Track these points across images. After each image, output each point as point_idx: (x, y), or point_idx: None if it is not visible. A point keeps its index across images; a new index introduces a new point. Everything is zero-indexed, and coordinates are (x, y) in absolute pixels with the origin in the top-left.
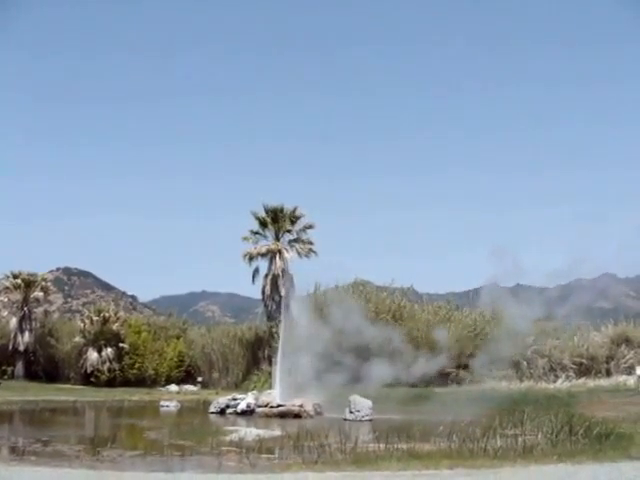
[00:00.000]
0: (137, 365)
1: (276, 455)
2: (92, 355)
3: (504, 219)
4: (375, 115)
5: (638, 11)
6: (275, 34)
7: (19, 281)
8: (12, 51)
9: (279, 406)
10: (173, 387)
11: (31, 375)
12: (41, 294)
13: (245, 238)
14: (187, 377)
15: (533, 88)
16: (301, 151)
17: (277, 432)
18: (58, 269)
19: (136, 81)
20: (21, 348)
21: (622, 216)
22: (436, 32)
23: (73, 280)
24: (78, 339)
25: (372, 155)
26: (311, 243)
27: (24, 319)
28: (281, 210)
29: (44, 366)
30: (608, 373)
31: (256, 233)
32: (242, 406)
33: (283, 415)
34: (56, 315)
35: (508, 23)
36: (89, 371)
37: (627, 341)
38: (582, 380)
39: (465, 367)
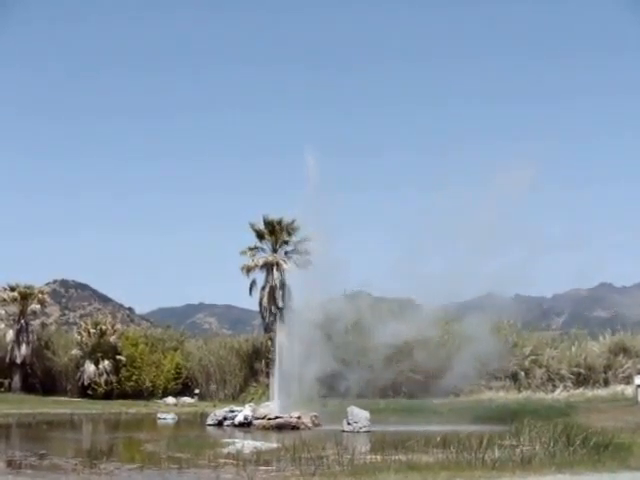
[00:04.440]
0: (134, 377)
1: (274, 467)
2: (89, 368)
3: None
4: (373, 126)
5: None
6: (276, 48)
7: (16, 294)
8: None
9: (277, 418)
10: (170, 399)
11: (28, 388)
12: (38, 306)
13: (243, 250)
14: (184, 389)
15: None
16: (299, 165)
17: (274, 444)
18: (55, 281)
19: (135, 96)
20: (18, 361)
21: None
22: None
23: (70, 292)
24: (75, 351)
25: (368, 168)
26: (308, 254)
27: (21, 332)
28: (279, 222)
29: (41, 379)
30: (606, 383)
31: (254, 248)
32: (239, 418)
33: (281, 427)
34: (53, 327)
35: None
36: (86, 384)
37: (625, 350)
38: (580, 390)
39: (463, 378)
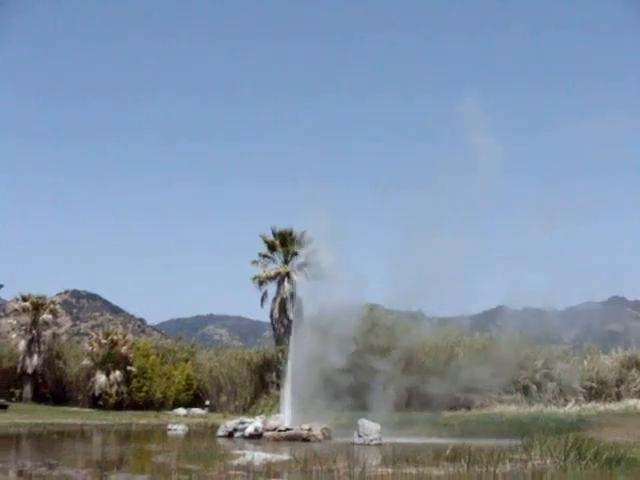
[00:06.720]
0: (145, 388)
1: (284, 479)
2: (100, 378)
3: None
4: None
5: None
6: (285, 73)
7: (28, 304)
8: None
9: (287, 430)
10: (181, 410)
11: (39, 398)
12: (50, 317)
13: (254, 262)
14: (195, 400)
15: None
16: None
17: (285, 456)
18: (67, 292)
19: (152, 116)
20: (29, 371)
21: None
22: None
23: (82, 303)
24: (86, 362)
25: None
26: (320, 266)
27: (33, 342)
28: (290, 233)
29: (52, 389)
30: (618, 397)
31: (265, 256)
32: (250, 430)
33: (291, 439)
34: (64, 338)
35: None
36: (97, 394)
37: (637, 365)
38: (592, 404)
39: (474, 391)
